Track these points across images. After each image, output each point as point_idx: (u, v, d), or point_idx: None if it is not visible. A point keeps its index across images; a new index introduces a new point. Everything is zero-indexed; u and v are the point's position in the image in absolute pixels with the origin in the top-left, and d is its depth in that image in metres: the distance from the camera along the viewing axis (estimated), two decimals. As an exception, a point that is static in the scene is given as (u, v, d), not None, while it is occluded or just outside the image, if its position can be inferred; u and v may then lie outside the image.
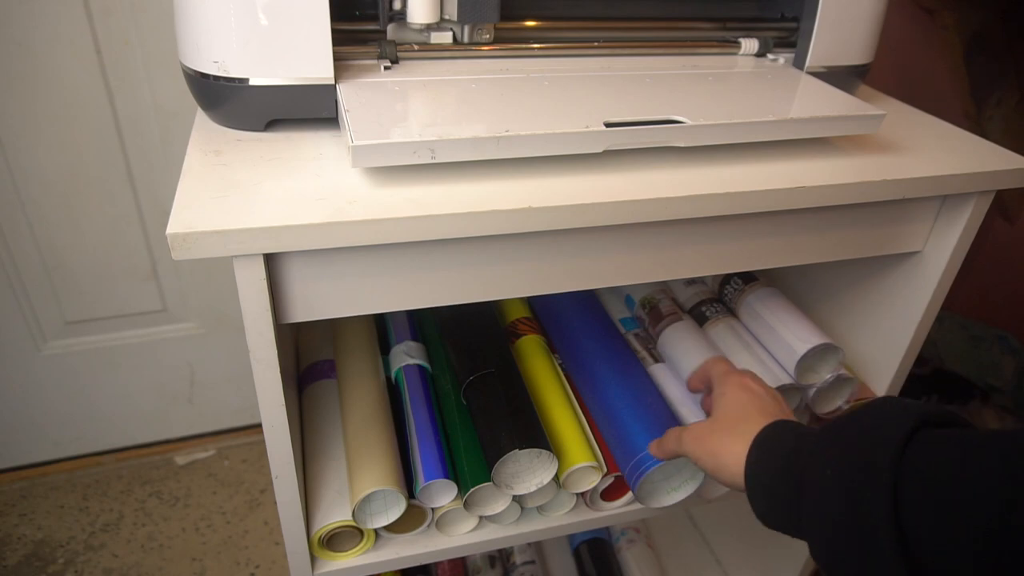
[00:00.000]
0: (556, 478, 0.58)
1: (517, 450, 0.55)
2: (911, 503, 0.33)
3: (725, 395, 0.51)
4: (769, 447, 0.44)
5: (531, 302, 0.75)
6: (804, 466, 0.39)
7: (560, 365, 0.68)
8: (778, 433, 0.45)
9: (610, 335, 0.68)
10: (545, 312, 0.73)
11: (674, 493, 0.60)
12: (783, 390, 0.62)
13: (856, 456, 0.36)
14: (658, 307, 0.70)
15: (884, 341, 0.66)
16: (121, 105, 0.96)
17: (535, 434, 0.57)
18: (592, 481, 0.59)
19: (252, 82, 0.46)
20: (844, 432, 0.39)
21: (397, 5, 0.50)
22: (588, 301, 0.72)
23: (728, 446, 0.47)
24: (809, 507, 0.38)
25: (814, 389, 0.64)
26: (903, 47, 1.05)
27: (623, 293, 0.75)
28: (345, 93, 0.47)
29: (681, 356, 0.65)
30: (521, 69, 0.54)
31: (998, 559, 0.30)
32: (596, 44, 0.58)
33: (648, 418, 0.59)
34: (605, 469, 0.59)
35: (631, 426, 0.59)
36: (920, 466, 0.34)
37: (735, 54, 0.61)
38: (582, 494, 0.62)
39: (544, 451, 0.56)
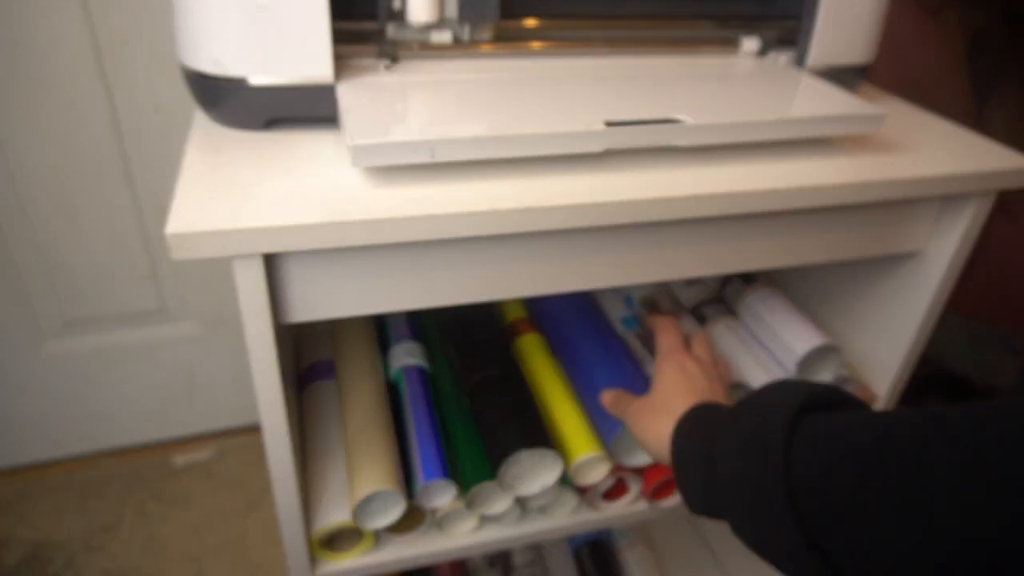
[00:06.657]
0: (563, 473, 0.58)
1: (522, 450, 0.55)
2: (801, 478, 0.34)
3: (661, 372, 0.52)
4: (689, 428, 0.44)
5: (527, 305, 0.75)
6: (715, 447, 0.40)
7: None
8: (699, 414, 0.45)
9: (605, 336, 0.68)
10: (541, 315, 0.73)
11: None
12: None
13: (754, 435, 0.37)
14: (657, 306, 0.70)
15: (885, 342, 0.66)
16: (120, 104, 0.95)
17: (540, 435, 0.57)
18: (601, 472, 0.59)
19: (251, 81, 0.46)
20: (745, 414, 0.40)
21: (397, 4, 0.50)
22: (582, 302, 0.72)
23: (656, 425, 0.47)
24: (720, 483, 0.39)
25: (815, 389, 0.64)
26: (904, 46, 1.04)
27: (623, 292, 0.75)
28: (345, 92, 0.47)
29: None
30: (521, 68, 0.54)
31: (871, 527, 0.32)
32: (597, 43, 0.58)
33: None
34: (613, 461, 0.59)
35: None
36: (807, 445, 0.35)
37: (736, 53, 0.61)
38: (584, 494, 0.62)
39: (549, 452, 0.57)
